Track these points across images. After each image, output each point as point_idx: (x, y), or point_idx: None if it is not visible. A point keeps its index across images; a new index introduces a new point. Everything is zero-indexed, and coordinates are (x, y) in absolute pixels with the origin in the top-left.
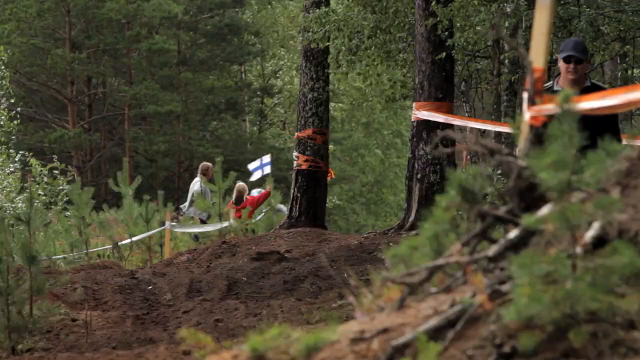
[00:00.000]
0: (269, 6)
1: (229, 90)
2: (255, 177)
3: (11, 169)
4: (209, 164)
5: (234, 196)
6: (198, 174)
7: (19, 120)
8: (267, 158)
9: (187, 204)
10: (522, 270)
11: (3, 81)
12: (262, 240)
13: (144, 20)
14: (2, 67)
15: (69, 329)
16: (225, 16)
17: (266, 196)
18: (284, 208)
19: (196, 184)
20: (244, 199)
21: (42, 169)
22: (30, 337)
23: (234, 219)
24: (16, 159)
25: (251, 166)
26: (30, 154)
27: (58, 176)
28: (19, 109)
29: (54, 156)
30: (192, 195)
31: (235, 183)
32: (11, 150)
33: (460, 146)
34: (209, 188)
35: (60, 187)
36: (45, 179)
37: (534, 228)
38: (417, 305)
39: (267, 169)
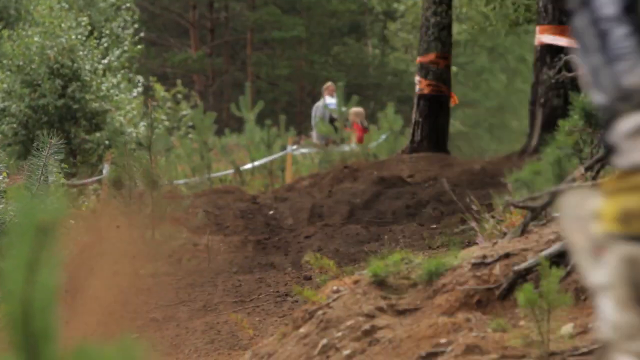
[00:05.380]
0: None
1: (352, 15)
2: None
3: (134, 94)
4: (328, 82)
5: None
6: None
7: (142, 45)
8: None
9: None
10: None
11: (128, 4)
12: (384, 165)
13: None
14: None
15: (190, 253)
16: None
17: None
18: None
19: (318, 109)
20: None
21: (165, 93)
22: (153, 262)
23: (356, 143)
24: (139, 84)
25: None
26: (155, 78)
27: (181, 101)
28: (142, 34)
29: (177, 80)
30: (315, 119)
31: (355, 107)
32: (132, 75)
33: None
34: (332, 103)
35: (183, 112)
36: (169, 104)
37: None
38: (540, 231)
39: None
